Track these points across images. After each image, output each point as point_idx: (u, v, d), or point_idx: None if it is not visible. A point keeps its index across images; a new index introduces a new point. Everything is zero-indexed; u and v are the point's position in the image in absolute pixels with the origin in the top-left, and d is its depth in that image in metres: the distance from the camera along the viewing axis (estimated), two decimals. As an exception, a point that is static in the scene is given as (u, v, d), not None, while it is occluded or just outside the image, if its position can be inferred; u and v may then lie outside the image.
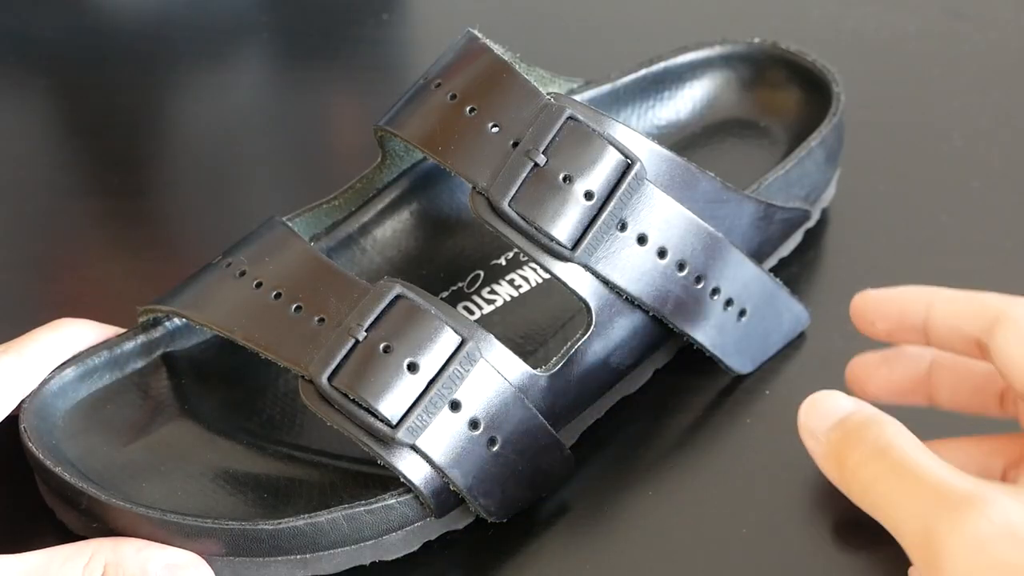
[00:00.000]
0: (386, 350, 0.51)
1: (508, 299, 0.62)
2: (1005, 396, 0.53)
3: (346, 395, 0.51)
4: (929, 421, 0.54)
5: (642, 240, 0.55)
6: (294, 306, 0.53)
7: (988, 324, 0.50)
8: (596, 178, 0.54)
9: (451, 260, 0.63)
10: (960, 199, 0.67)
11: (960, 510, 0.43)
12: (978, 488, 0.44)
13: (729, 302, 0.58)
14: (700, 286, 0.57)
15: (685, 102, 0.68)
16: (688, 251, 0.56)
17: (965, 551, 0.43)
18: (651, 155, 0.55)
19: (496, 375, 0.53)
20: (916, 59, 0.75)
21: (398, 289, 0.53)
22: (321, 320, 0.53)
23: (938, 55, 0.75)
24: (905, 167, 0.69)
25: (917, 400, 0.54)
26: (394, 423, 0.51)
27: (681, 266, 0.56)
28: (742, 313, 0.59)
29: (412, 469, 0.52)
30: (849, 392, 0.53)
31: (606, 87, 0.66)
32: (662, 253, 0.55)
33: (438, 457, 0.52)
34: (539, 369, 0.54)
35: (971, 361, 0.53)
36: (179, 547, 0.51)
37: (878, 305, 0.54)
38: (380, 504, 0.52)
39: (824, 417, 0.50)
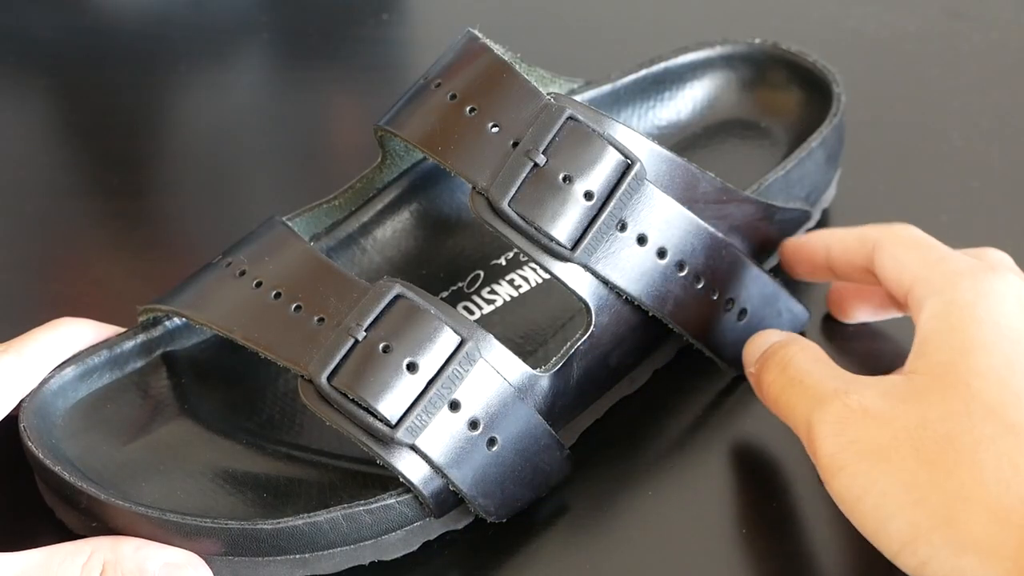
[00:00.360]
0: (385, 350, 0.51)
1: (508, 299, 0.62)
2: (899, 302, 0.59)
3: (345, 395, 0.51)
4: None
5: (642, 240, 0.55)
6: (294, 306, 0.53)
7: (870, 253, 0.57)
8: (596, 178, 0.54)
9: (451, 260, 0.63)
10: (960, 199, 0.67)
11: (826, 401, 0.51)
12: (844, 383, 0.52)
13: (729, 302, 0.58)
14: (700, 286, 0.57)
15: (686, 102, 0.68)
16: (688, 251, 0.56)
17: (829, 432, 0.50)
18: (651, 155, 0.55)
19: (496, 375, 0.53)
20: (916, 59, 0.75)
21: (397, 289, 0.53)
22: (321, 320, 0.53)
23: (938, 55, 0.75)
24: (905, 167, 0.69)
25: (830, 277, 0.61)
26: (393, 423, 0.51)
27: (681, 266, 0.56)
28: (742, 313, 0.59)
29: (411, 469, 0.52)
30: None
31: (606, 87, 0.66)
32: (662, 253, 0.55)
33: (437, 457, 0.52)
34: (539, 369, 0.54)
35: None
36: (178, 546, 0.51)
37: (793, 252, 0.61)
38: (379, 504, 0.52)
39: (754, 351, 0.56)
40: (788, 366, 0.54)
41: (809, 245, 0.60)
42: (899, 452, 0.49)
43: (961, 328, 0.51)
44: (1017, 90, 0.73)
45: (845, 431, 0.50)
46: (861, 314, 0.61)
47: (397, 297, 0.53)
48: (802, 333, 0.61)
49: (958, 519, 0.47)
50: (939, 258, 0.54)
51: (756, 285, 0.59)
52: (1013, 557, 0.46)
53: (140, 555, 0.51)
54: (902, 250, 0.56)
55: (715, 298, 0.57)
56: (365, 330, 0.52)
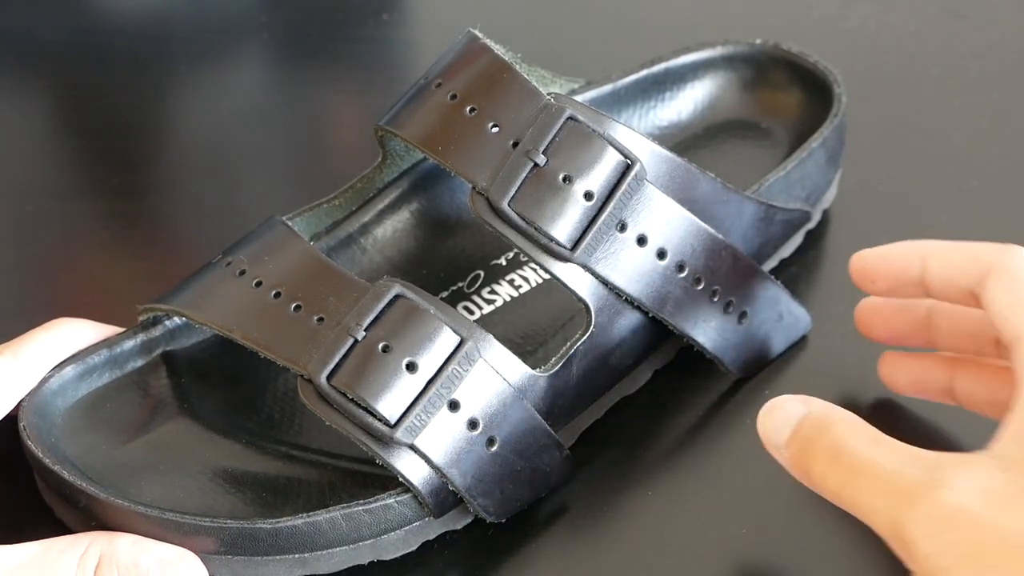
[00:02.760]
0: (385, 350, 0.51)
1: (508, 299, 0.62)
2: (1000, 342, 0.54)
3: (345, 394, 0.51)
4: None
5: (641, 241, 0.55)
6: (293, 305, 0.53)
7: (980, 275, 0.51)
8: (596, 178, 0.54)
9: (451, 260, 0.63)
10: (960, 199, 0.67)
11: (915, 500, 0.45)
12: (927, 472, 0.46)
13: (729, 304, 0.58)
14: (700, 287, 0.57)
15: (686, 103, 0.68)
16: (688, 252, 0.56)
17: (928, 537, 0.44)
18: (651, 156, 0.55)
19: (495, 375, 0.53)
20: (916, 59, 0.75)
21: (397, 289, 0.53)
22: (320, 319, 0.53)
23: (938, 55, 0.75)
24: (905, 167, 0.69)
25: (918, 343, 0.55)
26: (392, 423, 0.51)
27: (681, 267, 0.56)
28: (742, 316, 0.59)
29: (410, 469, 0.52)
30: (859, 332, 0.56)
31: (607, 87, 0.66)
32: (662, 254, 0.55)
33: (436, 457, 0.52)
34: (538, 369, 0.54)
35: (968, 308, 0.54)
36: (177, 545, 0.51)
37: (877, 263, 0.55)
38: (378, 504, 0.52)
39: (780, 429, 0.50)
40: (842, 453, 0.47)
41: (902, 256, 0.54)
42: (1010, 559, 0.43)
43: None
44: (1017, 90, 0.73)
45: (944, 532, 0.45)
46: (920, 392, 0.56)
47: (397, 297, 0.53)
48: (803, 337, 0.61)
49: None
50: None
51: (757, 287, 0.59)
52: None
53: (136, 550, 0.51)
54: (1022, 285, 0.50)
55: (715, 300, 0.57)
56: (365, 330, 0.52)
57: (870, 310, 0.57)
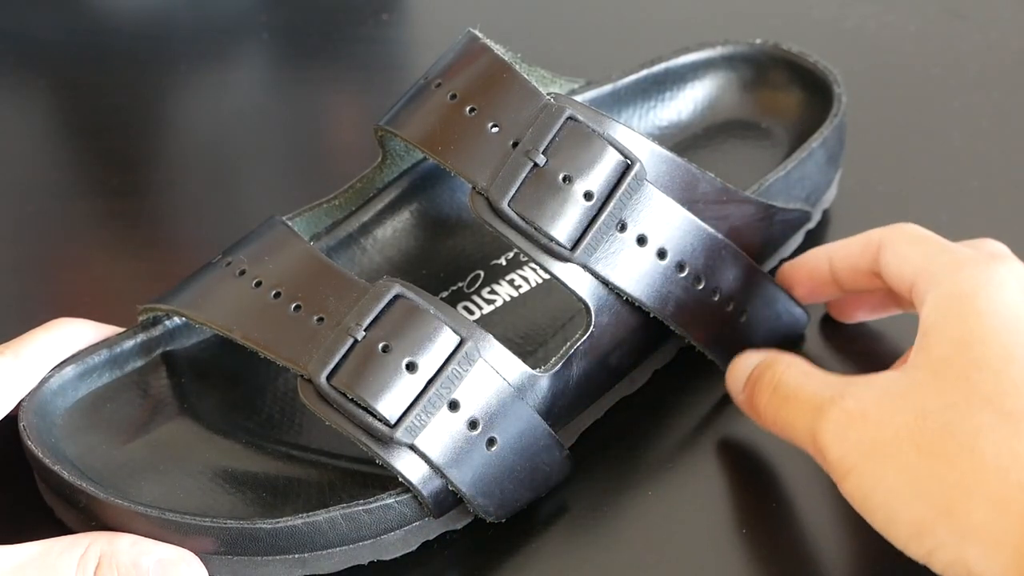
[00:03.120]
0: (385, 350, 0.51)
1: (508, 299, 0.62)
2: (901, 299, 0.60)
3: (344, 394, 0.51)
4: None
5: (641, 241, 0.55)
6: (293, 305, 0.53)
7: (874, 255, 0.57)
8: (596, 178, 0.54)
9: (451, 260, 0.63)
10: (960, 199, 0.67)
11: (824, 410, 0.51)
12: (838, 389, 0.52)
13: (729, 303, 0.58)
14: (700, 287, 0.57)
15: (686, 103, 0.68)
16: (688, 252, 0.56)
17: (833, 439, 0.51)
18: (651, 156, 0.55)
19: (495, 375, 0.53)
20: (916, 59, 0.75)
21: (397, 289, 0.53)
22: (320, 319, 0.53)
23: (938, 55, 0.75)
24: (905, 167, 0.69)
25: (833, 292, 0.61)
26: (392, 423, 0.51)
27: (681, 267, 0.56)
28: (742, 314, 0.59)
29: (410, 469, 0.52)
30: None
31: (607, 87, 0.66)
32: (661, 254, 0.55)
33: (436, 457, 0.52)
34: (538, 369, 0.54)
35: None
36: (177, 545, 0.51)
37: (792, 273, 0.61)
38: (378, 504, 0.52)
39: (740, 376, 0.57)
40: (779, 385, 0.54)
41: (809, 261, 0.60)
42: (901, 447, 0.49)
43: (960, 319, 0.51)
44: (1017, 90, 0.73)
45: (847, 434, 0.50)
46: (861, 313, 0.61)
47: (396, 297, 0.53)
48: (802, 335, 0.61)
49: (959, 509, 0.48)
50: (940, 250, 0.55)
51: (756, 286, 0.59)
52: (1015, 544, 0.46)
53: (136, 550, 0.51)
54: (905, 246, 0.56)
55: (716, 299, 0.57)
56: (364, 330, 0.52)
57: (785, 274, 0.62)
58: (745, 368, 0.56)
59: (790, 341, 0.61)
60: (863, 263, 0.58)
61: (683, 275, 0.56)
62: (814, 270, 0.60)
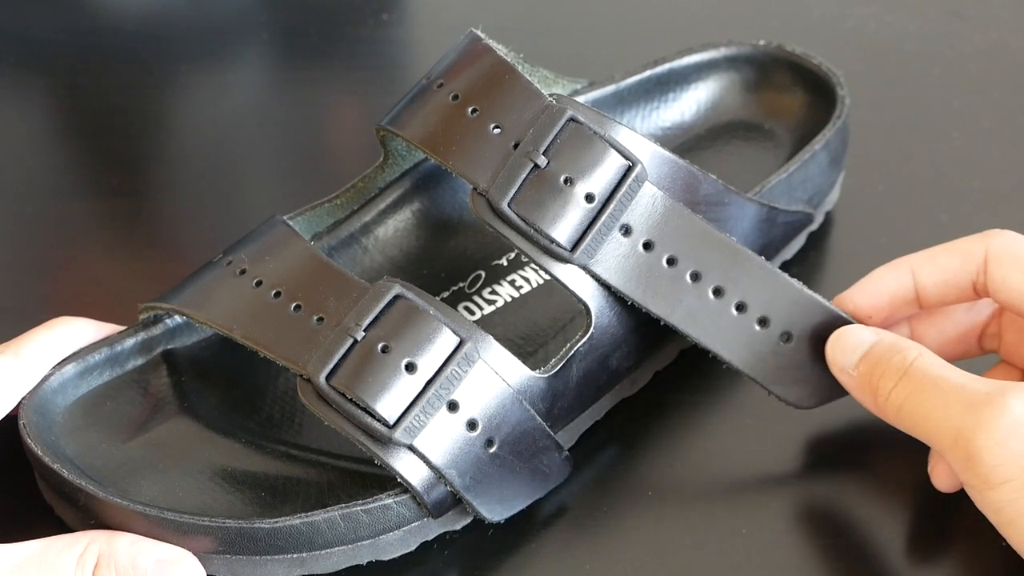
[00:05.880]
0: (384, 350, 0.51)
1: (509, 300, 0.62)
2: (984, 334, 0.57)
3: (344, 395, 0.51)
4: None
5: (641, 242, 0.55)
6: (293, 305, 0.53)
7: (976, 268, 0.54)
8: (597, 180, 0.54)
9: (452, 260, 0.63)
10: (960, 199, 0.67)
11: (983, 409, 0.47)
12: (996, 387, 0.48)
13: (723, 295, 0.57)
14: (701, 288, 0.56)
15: (689, 104, 0.68)
16: (688, 253, 0.56)
17: (993, 443, 0.47)
18: (653, 157, 0.55)
19: (494, 376, 0.53)
20: (916, 59, 0.75)
21: (397, 289, 0.53)
22: (320, 319, 0.53)
23: (938, 55, 0.75)
24: (905, 167, 0.69)
25: (911, 310, 0.56)
26: (391, 423, 0.51)
27: (680, 267, 0.56)
28: (740, 309, 0.58)
29: (409, 469, 0.52)
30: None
31: (610, 88, 0.66)
32: (661, 255, 0.55)
33: (435, 457, 0.52)
34: (538, 370, 0.54)
35: (951, 312, 0.57)
36: (176, 544, 0.51)
37: (864, 300, 0.56)
38: (377, 504, 0.52)
39: (850, 351, 0.53)
40: (913, 369, 0.50)
41: (883, 282, 0.55)
42: None
43: None
44: (1017, 90, 0.73)
45: (1010, 442, 0.47)
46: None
47: (396, 297, 0.53)
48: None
49: None
50: None
51: (763, 284, 0.58)
52: None
53: (134, 549, 0.51)
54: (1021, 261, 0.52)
55: (716, 298, 0.57)
56: (364, 330, 0.52)
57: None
58: (857, 343, 0.53)
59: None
60: (960, 278, 0.54)
61: (684, 276, 0.55)
62: (895, 290, 0.55)
